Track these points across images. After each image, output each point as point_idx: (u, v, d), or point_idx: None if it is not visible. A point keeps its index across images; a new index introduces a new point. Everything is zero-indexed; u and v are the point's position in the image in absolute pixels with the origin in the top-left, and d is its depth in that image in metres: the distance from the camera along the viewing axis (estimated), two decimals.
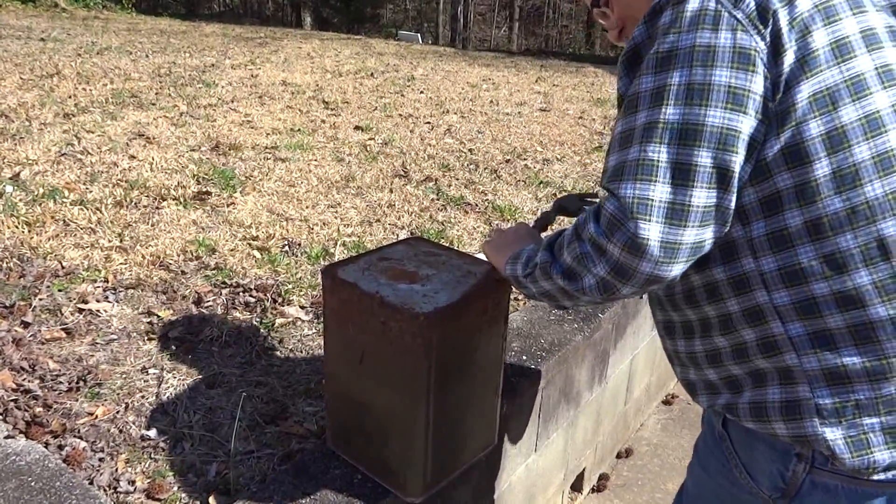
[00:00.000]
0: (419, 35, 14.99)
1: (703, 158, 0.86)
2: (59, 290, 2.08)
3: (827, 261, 0.88)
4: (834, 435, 0.92)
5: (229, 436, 1.56)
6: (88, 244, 2.40)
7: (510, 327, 1.93)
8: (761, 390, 0.97)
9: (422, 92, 5.72)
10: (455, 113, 5.01)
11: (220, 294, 2.17)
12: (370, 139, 4.09)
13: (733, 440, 1.06)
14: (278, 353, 1.91)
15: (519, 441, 1.84)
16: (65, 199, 2.73)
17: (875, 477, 0.93)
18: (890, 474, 0.92)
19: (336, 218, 2.85)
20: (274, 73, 5.88)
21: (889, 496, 0.94)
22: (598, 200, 1.16)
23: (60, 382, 1.66)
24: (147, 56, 6.09)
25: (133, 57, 5.96)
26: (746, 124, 0.86)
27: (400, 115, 4.80)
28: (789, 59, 0.86)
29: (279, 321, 2.05)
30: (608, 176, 0.92)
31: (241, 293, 2.18)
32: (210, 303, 2.11)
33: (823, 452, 0.94)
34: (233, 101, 4.64)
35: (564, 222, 2.62)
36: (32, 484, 1.31)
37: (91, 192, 2.83)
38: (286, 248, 2.54)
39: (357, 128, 4.32)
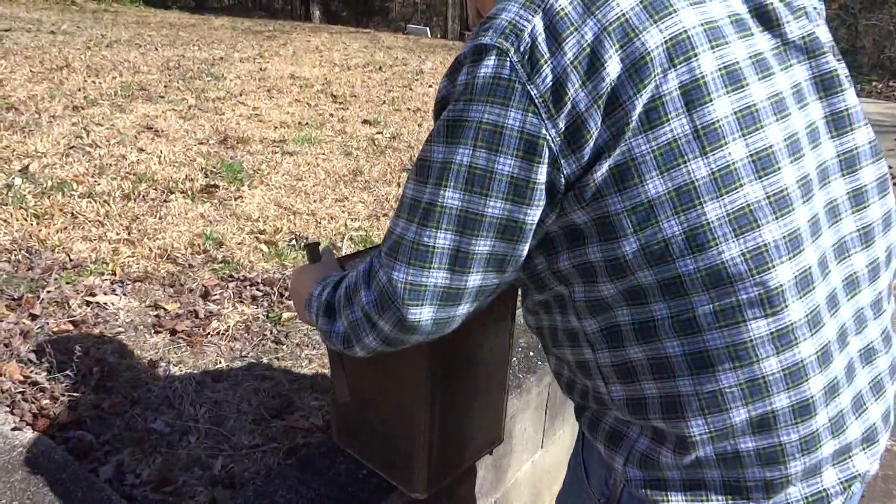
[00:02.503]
0: (427, 29, 14.95)
1: (482, 247, 0.82)
2: (67, 283, 2.09)
3: (643, 327, 0.83)
4: (634, 476, 0.92)
5: (235, 429, 1.56)
6: (96, 237, 2.40)
7: (517, 323, 1.92)
8: (602, 412, 0.96)
9: (430, 86, 5.70)
10: None
11: (228, 287, 2.17)
12: (378, 133, 4.08)
13: (584, 440, 1.07)
14: (285, 347, 1.91)
15: (525, 437, 1.83)
16: (73, 192, 2.73)
17: None
18: None
19: (343, 212, 2.85)
20: (282, 66, 5.87)
21: None
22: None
23: (67, 375, 1.66)
24: (156, 49, 6.10)
25: (142, 50, 5.97)
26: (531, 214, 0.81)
27: (408, 108, 4.79)
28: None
29: (286, 315, 2.05)
30: (388, 244, 0.86)
31: (248, 287, 2.18)
32: (217, 296, 2.11)
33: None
34: (241, 95, 4.64)
35: None
36: (39, 476, 1.31)
37: (99, 184, 2.84)
38: (293, 241, 2.54)
39: (365, 121, 4.31)
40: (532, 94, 0.76)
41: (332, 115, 4.40)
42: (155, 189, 2.86)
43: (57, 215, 2.52)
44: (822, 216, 0.83)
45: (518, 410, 1.73)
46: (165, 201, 2.76)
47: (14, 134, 3.32)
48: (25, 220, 2.46)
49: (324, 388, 1.73)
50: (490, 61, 0.78)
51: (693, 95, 0.77)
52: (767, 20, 0.83)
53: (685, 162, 0.76)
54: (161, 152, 3.29)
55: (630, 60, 0.75)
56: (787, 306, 0.79)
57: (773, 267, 0.78)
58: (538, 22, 0.77)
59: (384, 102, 4.90)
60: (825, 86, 0.86)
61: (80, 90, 4.27)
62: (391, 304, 0.84)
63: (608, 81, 0.75)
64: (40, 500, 1.25)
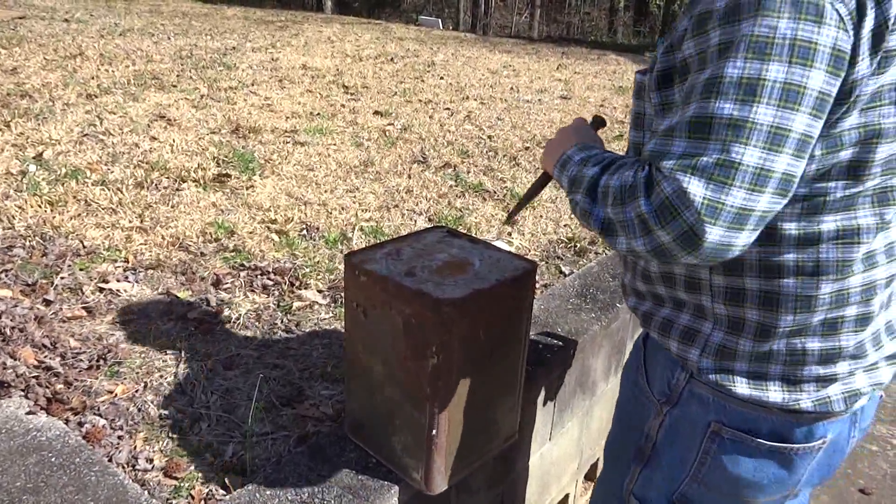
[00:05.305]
0: (440, 20, 14.92)
1: (781, 164, 0.83)
2: (81, 270, 2.10)
3: (766, 233, 0.96)
4: (706, 365, 1.08)
5: (246, 417, 1.57)
6: (109, 224, 2.42)
7: None
8: (677, 312, 1.13)
9: (442, 78, 5.69)
10: (475, 99, 4.98)
11: (239, 276, 2.18)
12: (389, 124, 4.07)
13: (646, 350, 1.25)
14: (295, 336, 1.92)
15: (534, 430, 1.83)
16: (87, 179, 2.75)
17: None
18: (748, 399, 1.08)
19: (354, 203, 2.85)
20: (294, 56, 5.87)
21: (748, 415, 1.08)
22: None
23: (81, 360, 1.68)
24: (169, 38, 6.11)
25: (155, 39, 5.98)
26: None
27: (419, 100, 4.78)
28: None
29: (296, 304, 2.06)
30: (676, 155, 0.85)
31: (259, 276, 2.19)
32: (228, 285, 2.13)
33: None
34: (253, 85, 4.65)
35: None
36: (52, 460, 1.33)
37: (112, 172, 2.85)
38: (304, 231, 2.54)
39: (376, 113, 4.31)
40: (840, 12, 0.82)
41: (343, 105, 4.40)
42: (167, 177, 2.87)
43: (70, 202, 2.53)
44: None
45: (527, 403, 1.73)
46: (178, 190, 2.77)
47: (28, 121, 3.34)
48: (40, 206, 2.48)
49: (334, 377, 1.74)
50: None
51: None
52: None
53: (882, 105, 0.90)
54: (173, 141, 3.30)
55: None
56: (875, 236, 0.98)
57: (892, 205, 0.97)
58: None
59: (395, 94, 4.90)
60: None
61: (93, 78, 4.29)
62: (677, 217, 0.83)
63: (888, 16, 0.84)
64: (54, 484, 1.27)
